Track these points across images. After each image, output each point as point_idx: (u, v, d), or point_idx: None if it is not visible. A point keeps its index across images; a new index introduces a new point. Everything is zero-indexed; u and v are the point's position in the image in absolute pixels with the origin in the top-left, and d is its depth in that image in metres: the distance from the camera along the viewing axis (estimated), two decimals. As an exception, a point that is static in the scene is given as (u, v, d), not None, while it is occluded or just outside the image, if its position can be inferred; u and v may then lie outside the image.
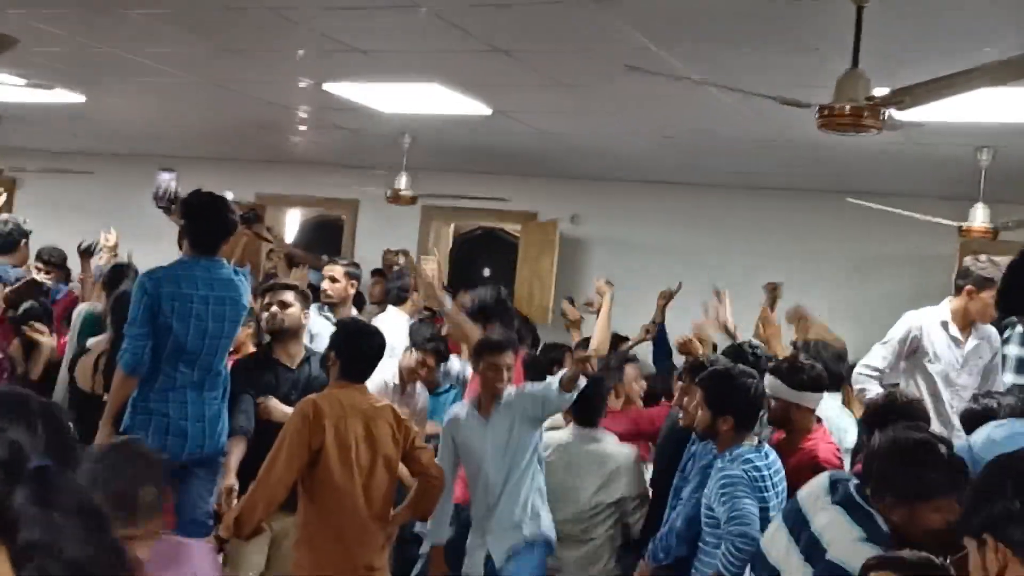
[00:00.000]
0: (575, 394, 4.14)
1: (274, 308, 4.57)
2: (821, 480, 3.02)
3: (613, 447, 4.54)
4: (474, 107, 6.08)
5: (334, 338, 4.05)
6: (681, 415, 4.02)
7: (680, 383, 4.14)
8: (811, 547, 2.83)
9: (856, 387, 4.71)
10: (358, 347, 3.98)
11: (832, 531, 2.79)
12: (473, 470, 4.31)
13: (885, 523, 2.70)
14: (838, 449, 3.99)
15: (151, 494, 2.27)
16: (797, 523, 2.95)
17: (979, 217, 5.95)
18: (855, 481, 2.88)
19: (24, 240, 6.36)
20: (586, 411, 4.51)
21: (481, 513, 4.29)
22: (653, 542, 3.91)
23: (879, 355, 4.73)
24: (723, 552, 3.44)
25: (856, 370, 4.76)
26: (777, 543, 3.03)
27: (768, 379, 3.87)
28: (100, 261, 6.20)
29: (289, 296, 4.61)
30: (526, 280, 8.76)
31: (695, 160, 7.34)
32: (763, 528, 3.35)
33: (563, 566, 4.47)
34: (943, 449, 2.73)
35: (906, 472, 2.68)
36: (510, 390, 4.31)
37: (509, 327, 4.88)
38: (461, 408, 4.38)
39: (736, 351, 4.50)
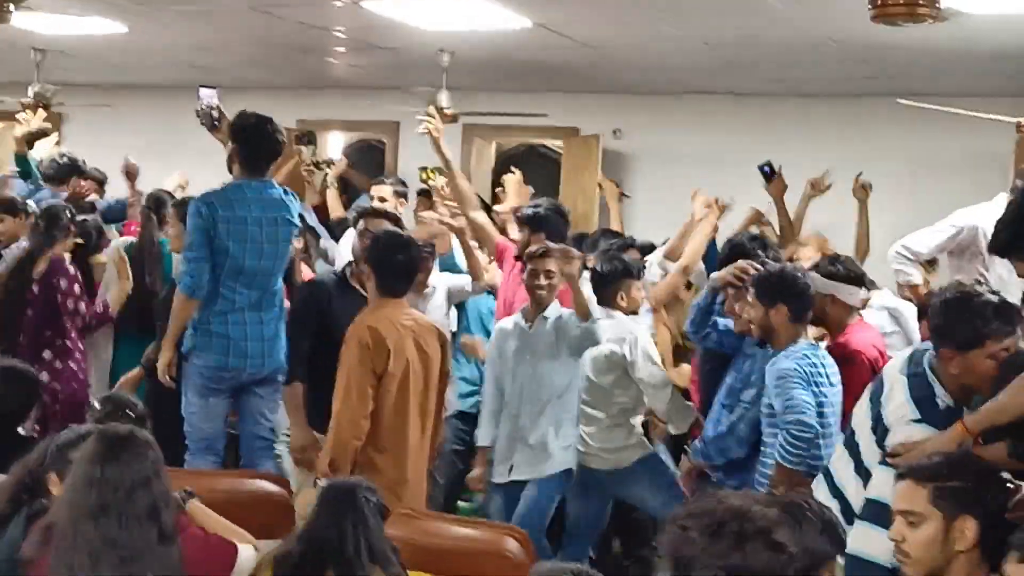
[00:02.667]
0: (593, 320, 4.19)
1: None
2: (904, 352, 3.16)
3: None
4: (514, 20, 6.01)
5: (371, 252, 3.96)
6: (735, 321, 4.02)
7: (730, 291, 4.12)
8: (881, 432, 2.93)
9: (893, 266, 4.63)
10: (397, 260, 3.92)
11: (893, 415, 2.92)
12: (508, 381, 4.32)
13: (945, 386, 2.84)
14: (882, 336, 4.00)
15: None
16: (875, 400, 3.02)
17: (1036, 112, 5.80)
18: (932, 351, 2.98)
19: (77, 175, 6.50)
20: None
21: (511, 426, 4.32)
22: (703, 442, 3.93)
23: (924, 241, 4.59)
24: (780, 442, 3.48)
25: (895, 248, 4.67)
26: (841, 462, 3.10)
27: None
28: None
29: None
30: (570, 196, 8.70)
31: (739, 68, 7.21)
32: (820, 421, 3.41)
33: None
34: (991, 297, 2.89)
35: (958, 322, 2.83)
36: (563, 310, 4.31)
37: (558, 240, 4.85)
38: (509, 318, 4.39)
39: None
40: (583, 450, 4.44)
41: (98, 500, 2.66)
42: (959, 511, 2.25)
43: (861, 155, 7.51)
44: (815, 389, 3.54)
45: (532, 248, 4.36)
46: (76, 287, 5.08)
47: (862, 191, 5.89)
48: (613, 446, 4.45)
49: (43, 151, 6.95)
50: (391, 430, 3.84)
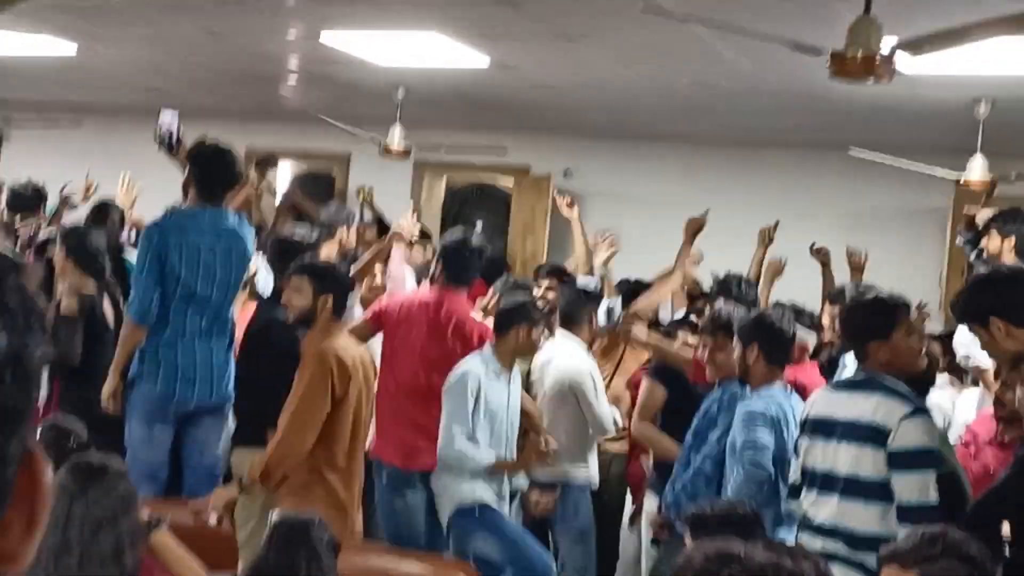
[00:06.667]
0: None
1: None
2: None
3: None
4: (472, 58, 6.04)
5: (329, 281, 3.90)
6: (709, 370, 4.04)
7: (705, 337, 4.13)
8: None
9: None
10: (346, 285, 4.04)
11: None
12: (493, 426, 4.30)
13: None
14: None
15: None
16: None
17: (977, 169, 5.97)
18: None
19: (41, 203, 6.35)
20: None
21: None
22: (672, 492, 3.93)
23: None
24: (735, 477, 3.51)
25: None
26: None
27: None
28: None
29: None
30: (519, 234, 8.77)
31: (692, 115, 7.33)
32: (777, 466, 3.45)
33: None
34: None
35: (866, 314, 3.28)
36: None
37: (462, 275, 4.66)
38: (478, 361, 4.31)
39: (722, 284, 4.66)
40: None
41: (62, 537, 2.59)
42: None
43: (807, 204, 7.68)
44: (779, 432, 3.60)
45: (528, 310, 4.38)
46: None
47: (820, 255, 5.96)
48: None
49: None
50: (345, 452, 3.85)
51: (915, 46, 3.26)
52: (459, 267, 4.53)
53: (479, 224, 9.57)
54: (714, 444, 3.83)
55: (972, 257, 5.59)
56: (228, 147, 4.31)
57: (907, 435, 3.04)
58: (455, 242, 4.63)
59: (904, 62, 3.60)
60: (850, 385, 3.27)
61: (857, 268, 5.79)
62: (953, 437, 4.19)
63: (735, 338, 3.76)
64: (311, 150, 9.47)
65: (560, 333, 4.69)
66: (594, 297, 5.21)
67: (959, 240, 5.17)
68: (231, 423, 4.40)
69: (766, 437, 3.52)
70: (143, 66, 7.48)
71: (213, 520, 3.66)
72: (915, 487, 3.02)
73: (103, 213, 5.37)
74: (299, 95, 8.36)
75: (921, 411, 3.12)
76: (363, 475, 4.06)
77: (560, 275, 5.48)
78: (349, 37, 5.88)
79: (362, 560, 3.33)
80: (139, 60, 7.26)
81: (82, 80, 8.20)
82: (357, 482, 3.96)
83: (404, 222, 4.92)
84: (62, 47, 6.82)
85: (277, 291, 4.33)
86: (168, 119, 4.53)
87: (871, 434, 3.08)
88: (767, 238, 5.97)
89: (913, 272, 6.94)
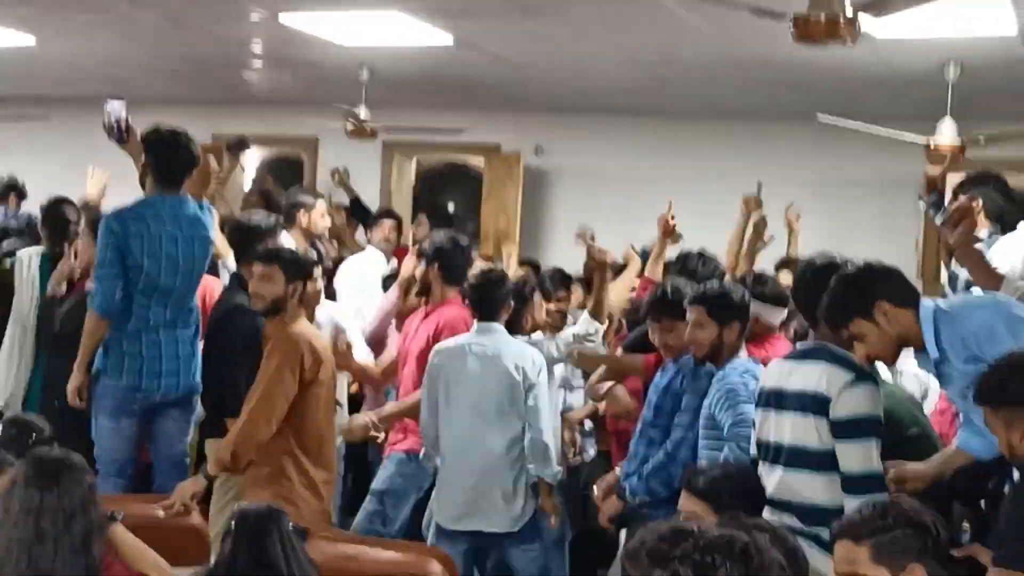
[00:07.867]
0: None
1: None
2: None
3: None
4: (436, 36, 5.97)
5: (301, 266, 3.88)
6: (664, 354, 3.96)
7: (652, 323, 4.03)
8: None
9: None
10: (311, 272, 3.97)
11: None
12: None
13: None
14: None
15: None
16: None
17: (947, 133, 5.94)
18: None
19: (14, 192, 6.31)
20: None
21: None
22: (639, 477, 3.84)
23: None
24: (725, 455, 3.44)
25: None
26: None
27: None
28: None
29: None
30: (491, 214, 8.71)
31: (661, 87, 7.28)
32: None
33: None
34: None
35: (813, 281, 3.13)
36: None
37: (459, 274, 4.54)
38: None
39: (684, 261, 4.54)
40: None
41: (36, 528, 2.63)
42: (904, 561, 2.21)
43: (779, 174, 7.63)
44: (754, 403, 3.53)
45: None
46: None
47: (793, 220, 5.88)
48: None
49: None
50: (318, 434, 3.82)
51: (877, 6, 3.21)
52: (454, 267, 4.51)
53: (451, 205, 9.53)
54: (687, 428, 3.75)
55: (939, 222, 5.54)
56: (182, 131, 4.23)
57: (848, 403, 2.97)
58: (447, 243, 4.59)
59: (868, 23, 3.55)
60: (800, 355, 3.21)
61: (790, 228, 5.73)
62: (929, 405, 4.16)
63: (708, 316, 3.65)
64: (278, 135, 9.37)
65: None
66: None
67: (921, 204, 5.10)
68: (200, 413, 4.35)
69: (750, 411, 3.43)
70: (104, 56, 7.38)
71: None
72: (858, 456, 2.95)
73: (57, 211, 5.24)
74: (264, 80, 8.27)
75: (865, 379, 3.01)
76: (339, 464, 4.02)
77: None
78: (310, 18, 5.80)
79: (333, 548, 3.28)
80: (99, 50, 7.16)
81: (44, 72, 8.09)
82: (331, 467, 3.92)
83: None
84: (20, 39, 6.70)
85: (238, 277, 4.26)
86: (115, 108, 4.39)
87: (815, 403, 3.02)
88: (754, 205, 5.79)
89: (888, 238, 6.91)
